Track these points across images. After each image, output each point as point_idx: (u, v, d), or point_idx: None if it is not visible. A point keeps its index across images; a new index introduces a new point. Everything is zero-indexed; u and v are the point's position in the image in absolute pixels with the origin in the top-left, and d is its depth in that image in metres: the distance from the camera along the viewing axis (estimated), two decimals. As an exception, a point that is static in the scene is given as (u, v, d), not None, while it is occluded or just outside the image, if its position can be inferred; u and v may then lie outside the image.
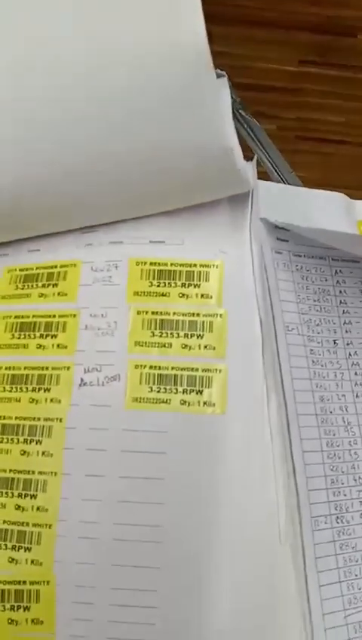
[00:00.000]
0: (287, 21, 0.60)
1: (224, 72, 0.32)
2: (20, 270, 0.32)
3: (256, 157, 0.32)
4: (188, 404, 0.29)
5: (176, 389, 0.29)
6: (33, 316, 0.31)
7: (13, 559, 0.27)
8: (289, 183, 0.35)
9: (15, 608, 0.27)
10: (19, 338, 0.31)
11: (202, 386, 0.29)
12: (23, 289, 0.32)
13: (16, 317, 0.31)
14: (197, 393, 0.29)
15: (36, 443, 0.29)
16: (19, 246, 0.33)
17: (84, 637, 0.26)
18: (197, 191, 0.30)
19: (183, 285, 0.30)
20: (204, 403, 0.29)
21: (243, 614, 0.26)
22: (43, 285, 0.32)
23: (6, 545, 0.28)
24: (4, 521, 0.28)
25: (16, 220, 0.31)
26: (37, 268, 0.32)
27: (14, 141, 0.28)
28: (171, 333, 0.30)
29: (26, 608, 0.27)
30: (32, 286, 0.32)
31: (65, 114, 0.28)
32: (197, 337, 0.30)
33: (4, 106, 0.28)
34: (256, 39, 0.58)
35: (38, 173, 0.29)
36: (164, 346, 0.30)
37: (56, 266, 0.32)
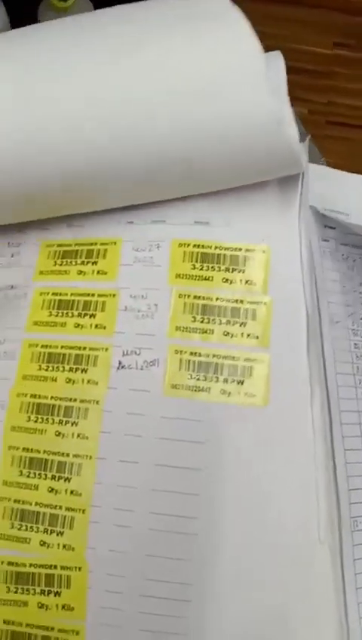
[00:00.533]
0: (324, 2, 0.57)
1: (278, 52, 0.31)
2: (59, 246, 0.31)
3: (308, 138, 0.30)
4: (229, 394, 0.27)
5: (217, 378, 0.28)
6: (71, 294, 0.30)
7: (44, 543, 0.27)
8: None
9: (45, 593, 0.26)
10: (56, 316, 0.30)
11: (243, 376, 0.28)
12: (61, 265, 0.31)
13: (53, 294, 0.30)
14: (238, 383, 0.28)
15: (72, 425, 0.28)
16: (58, 220, 0.31)
17: (115, 626, 0.26)
18: (249, 170, 0.29)
19: (227, 270, 0.29)
20: (245, 394, 0.27)
21: (276, 613, 0.25)
22: (82, 262, 0.30)
23: (38, 528, 0.27)
24: (37, 503, 0.27)
25: (61, 200, 0.29)
26: (76, 244, 0.31)
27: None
28: (213, 320, 0.29)
29: (57, 593, 0.26)
30: (71, 263, 0.31)
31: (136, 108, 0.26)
32: (240, 325, 0.28)
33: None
34: (290, 19, 0.56)
35: (88, 158, 0.27)
36: (206, 332, 0.28)
37: (96, 244, 0.31)
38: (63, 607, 0.26)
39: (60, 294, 0.30)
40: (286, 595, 0.25)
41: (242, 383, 0.28)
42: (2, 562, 0.27)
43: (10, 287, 0.31)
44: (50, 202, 0.29)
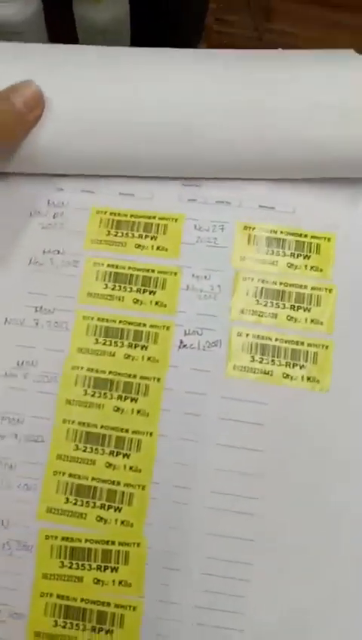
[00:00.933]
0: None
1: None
2: (112, 214, 0.30)
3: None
4: (291, 378, 0.28)
5: (279, 362, 0.28)
6: (129, 268, 0.29)
7: (101, 518, 0.26)
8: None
9: (102, 568, 0.26)
10: (113, 289, 0.29)
11: (306, 361, 0.28)
12: (116, 236, 0.30)
13: (109, 265, 0.29)
14: (300, 368, 0.28)
15: (131, 400, 0.27)
16: (108, 186, 0.30)
17: (173, 603, 0.26)
18: (336, 171, 0.29)
19: (292, 255, 0.29)
20: (308, 378, 0.28)
21: (340, 593, 0.26)
22: (140, 236, 0.30)
23: (94, 503, 0.26)
24: (93, 479, 0.27)
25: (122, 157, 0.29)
26: (131, 215, 0.30)
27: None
28: (277, 304, 0.29)
29: (114, 569, 0.26)
30: (128, 235, 0.30)
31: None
32: (304, 310, 0.28)
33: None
34: (326, 21, 0.56)
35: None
36: (269, 316, 0.28)
37: (154, 217, 0.30)
38: (120, 582, 0.26)
39: (117, 267, 0.29)
40: (346, 577, 0.26)
41: (305, 368, 0.28)
42: (56, 537, 0.26)
43: (56, 251, 0.30)
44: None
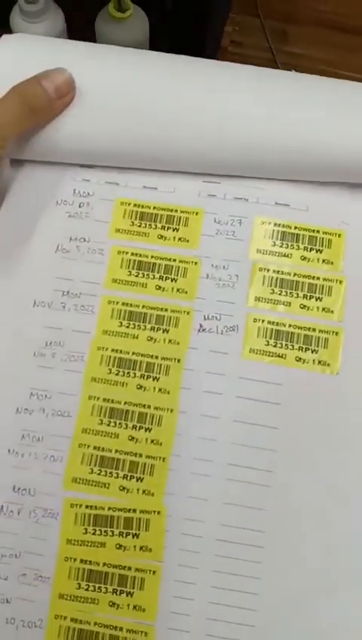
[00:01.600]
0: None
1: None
2: (135, 206, 0.32)
3: None
4: (303, 362, 0.30)
5: (292, 346, 0.30)
6: (152, 257, 0.31)
7: (124, 488, 0.28)
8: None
9: (124, 535, 0.27)
10: (136, 276, 0.31)
11: (318, 346, 0.30)
12: (140, 227, 0.32)
13: (133, 254, 0.31)
14: (312, 352, 0.30)
15: (153, 379, 0.29)
16: (133, 179, 0.32)
17: (191, 567, 0.27)
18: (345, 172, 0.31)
19: (306, 249, 0.31)
20: (319, 362, 0.30)
21: (346, 562, 0.27)
22: (162, 227, 0.32)
23: (117, 474, 0.28)
24: (117, 451, 0.28)
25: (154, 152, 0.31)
26: (154, 207, 0.32)
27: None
28: (291, 293, 0.31)
29: (135, 535, 0.27)
30: (151, 226, 0.32)
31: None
32: (316, 300, 0.30)
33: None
34: (340, 45, 0.58)
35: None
36: (284, 304, 0.31)
37: (176, 210, 0.32)
38: (141, 548, 0.27)
39: (140, 255, 0.31)
40: (358, 545, 0.27)
41: (316, 352, 0.30)
42: (80, 505, 0.28)
43: (82, 239, 0.32)
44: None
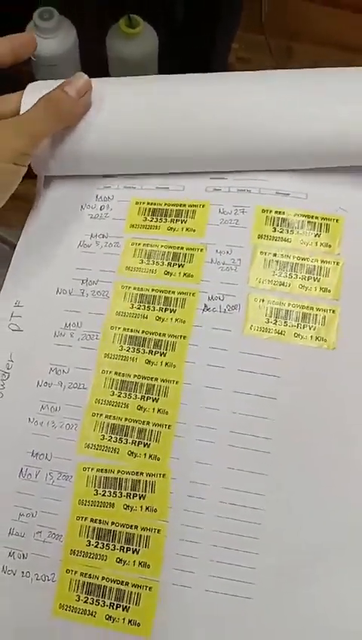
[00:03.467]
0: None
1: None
2: (149, 204, 0.35)
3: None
4: (301, 337, 0.31)
5: (291, 323, 0.31)
6: (162, 246, 0.34)
7: (132, 452, 0.30)
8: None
9: (131, 496, 0.29)
10: (147, 264, 0.33)
11: (315, 323, 0.31)
12: (152, 221, 0.34)
13: (145, 245, 0.34)
14: (310, 329, 0.31)
15: (160, 355, 0.31)
16: (147, 181, 0.35)
17: (194, 527, 0.28)
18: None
19: (304, 234, 0.33)
20: (316, 338, 0.31)
21: (352, 530, 0.28)
22: (172, 220, 0.34)
23: (126, 440, 0.30)
24: (126, 419, 0.30)
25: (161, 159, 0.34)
26: (165, 204, 0.35)
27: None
28: (290, 274, 0.32)
29: (142, 497, 0.29)
30: (161, 220, 0.34)
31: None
32: (314, 280, 0.32)
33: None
34: (344, 63, 0.60)
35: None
36: (283, 284, 0.32)
37: (185, 205, 0.34)
38: (147, 508, 0.29)
39: (151, 245, 0.34)
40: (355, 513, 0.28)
41: (314, 329, 0.31)
42: (92, 469, 0.30)
43: (101, 235, 0.35)
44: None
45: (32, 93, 0.33)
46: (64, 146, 0.34)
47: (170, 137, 0.34)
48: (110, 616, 0.28)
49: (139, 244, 0.34)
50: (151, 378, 0.31)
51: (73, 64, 0.49)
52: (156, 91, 0.34)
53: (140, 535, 0.29)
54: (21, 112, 0.33)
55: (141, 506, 0.29)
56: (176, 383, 0.31)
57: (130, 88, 0.35)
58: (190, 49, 0.48)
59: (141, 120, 0.34)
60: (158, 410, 0.30)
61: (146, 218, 0.35)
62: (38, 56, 0.47)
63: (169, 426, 0.30)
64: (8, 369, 0.32)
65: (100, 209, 0.36)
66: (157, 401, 0.31)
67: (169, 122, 0.34)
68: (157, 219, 0.35)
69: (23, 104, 0.33)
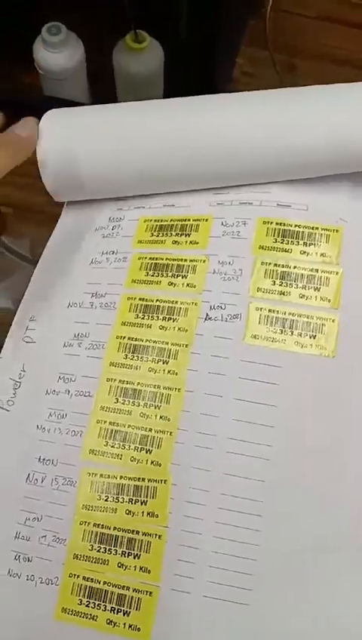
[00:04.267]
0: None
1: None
2: (155, 221, 0.36)
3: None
4: (302, 346, 0.31)
5: (292, 332, 0.32)
6: (166, 259, 0.34)
7: (134, 459, 0.30)
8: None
9: (133, 501, 0.29)
10: (152, 276, 0.34)
11: (316, 332, 0.31)
12: (158, 236, 0.35)
13: (150, 258, 0.35)
14: (310, 337, 0.31)
15: (163, 363, 0.32)
16: (155, 200, 0.36)
17: (194, 532, 0.29)
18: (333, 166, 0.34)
19: (305, 244, 0.33)
20: (317, 346, 0.31)
21: (352, 537, 0.28)
22: (176, 234, 0.35)
23: (129, 446, 0.30)
24: (129, 426, 0.31)
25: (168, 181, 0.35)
26: (171, 220, 0.35)
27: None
28: (290, 284, 0.33)
29: (143, 502, 0.29)
30: (167, 234, 0.35)
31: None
32: (315, 289, 0.32)
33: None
34: (346, 79, 0.61)
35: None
36: (283, 294, 0.32)
37: (189, 219, 0.35)
38: (148, 514, 0.29)
39: (156, 258, 0.35)
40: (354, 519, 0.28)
41: (314, 337, 0.31)
42: (96, 474, 0.30)
43: (111, 252, 0.36)
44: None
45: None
46: (80, 175, 0.35)
47: (174, 162, 0.35)
48: (111, 621, 0.28)
49: (145, 257, 0.35)
50: (154, 385, 0.32)
51: (80, 78, 0.50)
52: (157, 117, 0.35)
53: (141, 540, 0.29)
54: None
55: (142, 512, 0.30)
56: (178, 390, 0.31)
57: (134, 115, 0.36)
58: (195, 63, 0.49)
59: (148, 147, 0.35)
60: (161, 417, 0.31)
61: (153, 234, 0.36)
62: (46, 71, 0.48)
63: (171, 432, 0.31)
64: (20, 378, 0.33)
65: (112, 229, 0.37)
66: (159, 408, 0.31)
67: (174, 147, 0.35)
68: (163, 234, 0.36)
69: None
